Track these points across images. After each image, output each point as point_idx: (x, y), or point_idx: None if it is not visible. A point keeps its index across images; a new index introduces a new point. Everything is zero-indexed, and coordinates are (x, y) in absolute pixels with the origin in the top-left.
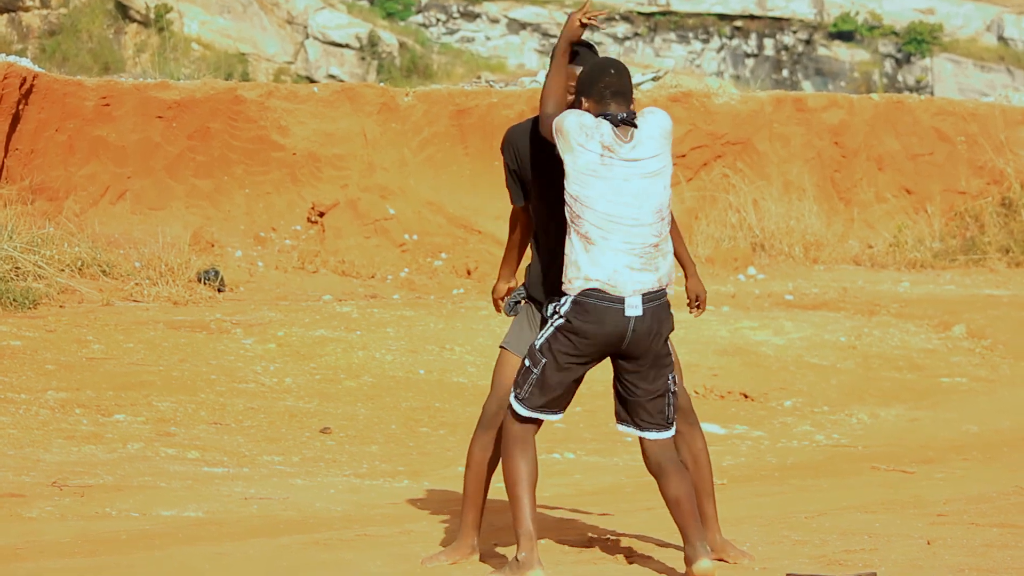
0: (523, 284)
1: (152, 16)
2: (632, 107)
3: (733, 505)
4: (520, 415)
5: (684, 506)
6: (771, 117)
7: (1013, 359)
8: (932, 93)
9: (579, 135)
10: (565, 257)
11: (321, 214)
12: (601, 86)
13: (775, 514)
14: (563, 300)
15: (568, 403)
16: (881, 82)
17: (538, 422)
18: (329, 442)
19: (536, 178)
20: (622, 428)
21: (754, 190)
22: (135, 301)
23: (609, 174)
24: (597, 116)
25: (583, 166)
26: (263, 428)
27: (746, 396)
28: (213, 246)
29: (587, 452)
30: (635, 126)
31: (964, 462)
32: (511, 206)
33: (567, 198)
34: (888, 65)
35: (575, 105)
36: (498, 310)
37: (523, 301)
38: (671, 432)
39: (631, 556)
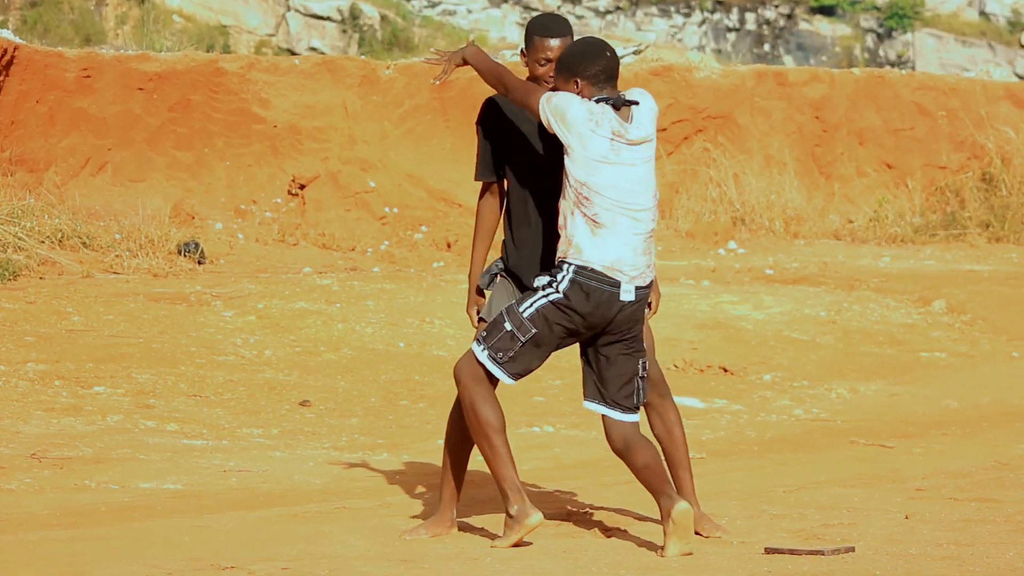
0: (500, 258)
1: None
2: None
3: (712, 479)
4: (487, 370)
5: (654, 468)
6: (752, 91)
7: (993, 334)
8: (913, 68)
9: (589, 122)
10: (564, 233)
11: (302, 187)
12: (598, 68)
13: (754, 488)
14: (560, 275)
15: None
16: (862, 57)
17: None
18: (308, 415)
19: (521, 151)
20: (591, 405)
21: (735, 164)
22: (115, 273)
23: (618, 159)
24: (592, 99)
25: (594, 153)
26: (242, 400)
27: (726, 370)
28: (193, 218)
29: (566, 426)
30: (636, 103)
31: (943, 437)
32: (480, 186)
33: (572, 182)
34: (869, 40)
35: (560, 81)
36: (476, 326)
37: (500, 275)
38: (637, 417)
39: (609, 529)
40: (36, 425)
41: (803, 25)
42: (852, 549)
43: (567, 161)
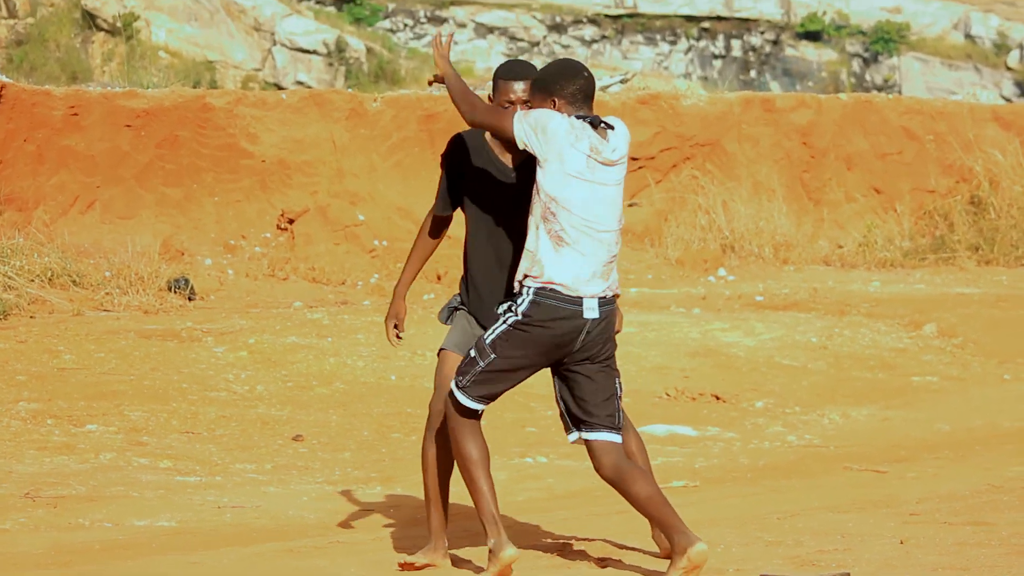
0: (457, 294)
1: (119, 25)
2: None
3: (706, 507)
4: (461, 404)
5: (657, 499)
6: (739, 118)
7: (984, 357)
8: (900, 92)
9: (569, 136)
10: (528, 251)
11: (291, 221)
12: (575, 88)
13: (748, 515)
14: (520, 298)
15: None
16: (849, 82)
17: (474, 411)
18: (301, 449)
19: (483, 192)
20: (576, 436)
21: (723, 191)
22: (106, 311)
23: (592, 177)
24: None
25: (570, 167)
26: (235, 436)
27: (718, 398)
28: (183, 254)
29: (559, 456)
30: (612, 128)
31: (936, 461)
32: (433, 213)
33: (542, 196)
34: (856, 64)
35: (537, 100)
36: (391, 339)
37: (458, 310)
38: (620, 436)
39: (604, 560)
40: (29, 464)
41: (789, 51)
42: (848, 575)
43: (539, 174)
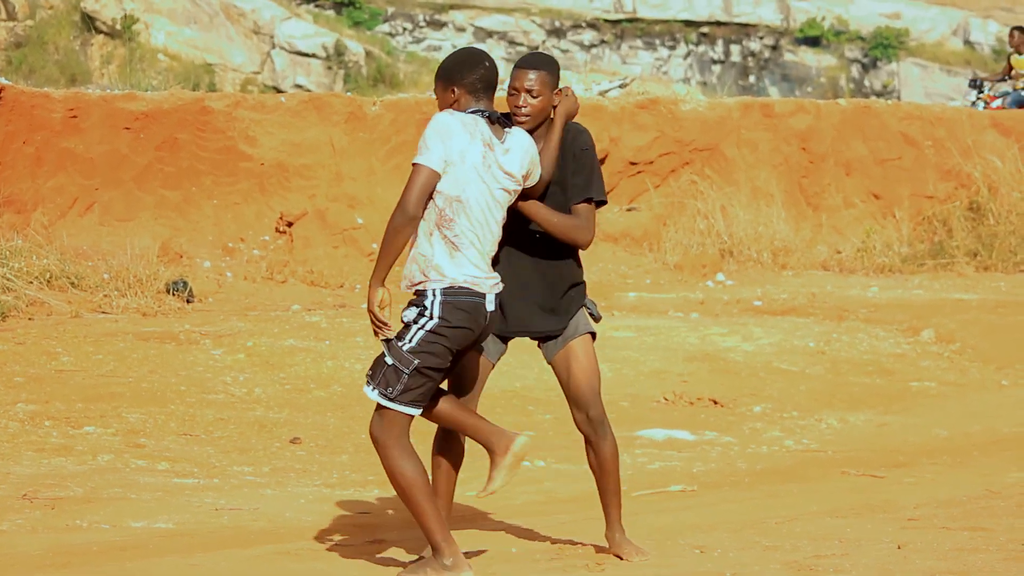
0: None
1: (119, 27)
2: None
3: (704, 511)
4: (398, 413)
5: (459, 411)
6: (738, 123)
7: (982, 363)
8: (899, 98)
9: (464, 132)
10: (420, 256)
11: (289, 224)
12: (476, 77)
13: (746, 520)
14: (427, 301)
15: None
16: (848, 87)
17: (411, 417)
18: (299, 452)
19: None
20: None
21: (722, 196)
22: (104, 313)
23: (487, 176)
24: (467, 110)
25: (471, 162)
26: (233, 438)
27: (716, 402)
28: (182, 257)
29: (558, 459)
30: (509, 125)
31: (934, 466)
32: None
33: (439, 202)
34: (855, 70)
35: (438, 89)
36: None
37: None
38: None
39: (601, 564)
40: (27, 466)
41: (788, 56)
42: None
43: (441, 182)
